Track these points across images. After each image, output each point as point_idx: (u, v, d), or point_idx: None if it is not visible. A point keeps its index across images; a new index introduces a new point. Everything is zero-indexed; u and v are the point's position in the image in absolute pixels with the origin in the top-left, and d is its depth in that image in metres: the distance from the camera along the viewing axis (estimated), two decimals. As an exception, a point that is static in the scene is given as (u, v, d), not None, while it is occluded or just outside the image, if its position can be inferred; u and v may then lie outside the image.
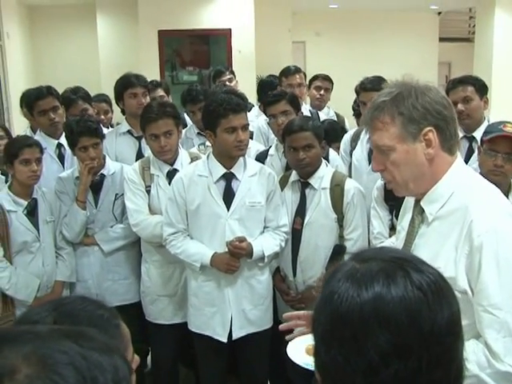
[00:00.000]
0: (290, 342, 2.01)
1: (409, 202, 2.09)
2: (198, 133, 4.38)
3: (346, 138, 4.29)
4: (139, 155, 4.05)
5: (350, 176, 4.12)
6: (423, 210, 1.89)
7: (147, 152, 3.87)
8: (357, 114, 4.96)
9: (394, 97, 1.81)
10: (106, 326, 1.21)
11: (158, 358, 3.82)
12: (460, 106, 3.72)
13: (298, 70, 5.33)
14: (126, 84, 4.21)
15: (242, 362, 3.51)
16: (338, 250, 2.49)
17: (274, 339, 3.21)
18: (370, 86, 3.95)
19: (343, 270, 1.10)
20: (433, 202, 1.86)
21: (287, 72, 5.31)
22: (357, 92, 4.20)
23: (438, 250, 1.79)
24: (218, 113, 3.11)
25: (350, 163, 4.16)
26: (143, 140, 4.05)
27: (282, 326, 2.10)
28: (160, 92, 4.89)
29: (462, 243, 1.73)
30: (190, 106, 4.47)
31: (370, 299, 1.02)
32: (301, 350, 1.96)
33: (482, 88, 3.80)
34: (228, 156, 3.20)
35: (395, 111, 1.80)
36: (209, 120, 3.20)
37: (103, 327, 1.19)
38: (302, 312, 2.15)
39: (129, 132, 4.19)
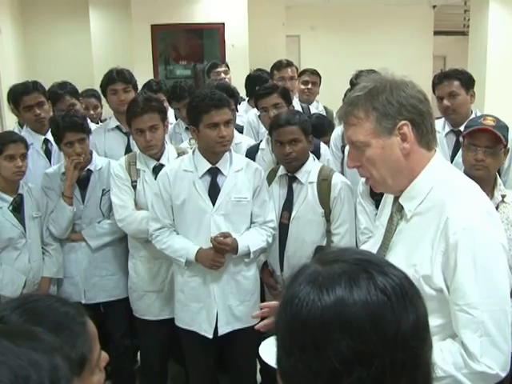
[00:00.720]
0: (262, 343, 1.94)
1: (388, 197, 2.06)
2: (187, 128, 4.36)
3: (337, 132, 4.25)
4: (128, 151, 4.01)
5: (343, 171, 4.11)
6: (402, 207, 1.86)
7: (136, 147, 3.85)
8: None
9: (369, 92, 1.78)
10: (71, 324, 1.20)
11: (146, 353, 3.81)
12: (446, 102, 3.70)
13: (290, 64, 5.35)
14: (108, 80, 4.18)
15: (230, 358, 3.50)
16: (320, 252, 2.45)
17: (262, 335, 3.19)
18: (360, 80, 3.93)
19: (305, 272, 1.06)
20: (411, 198, 1.82)
21: (279, 65, 5.33)
22: (352, 84, 4.17)
23: (414, 247, 1.76)
24: (200, 108, 3.09)
25: (342, 159, 4.14)
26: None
27: (253, 315, 2.12)
28: (162, 97, 4.76)
29: (437, 241, 1.70)
30: (175, 103, 4.45)
31: (332, 303, 0.98)
32: (273, 350, 1.90)
33: (468, 82, 3.77)
34: (211, 152, 3.18)
35: (369, 106, 1.77)
36: (192, 116, 3.18)
37: (67, 325, 1.19)
38: (272, 302, 2.14)
39: (117, 128, 4.15)
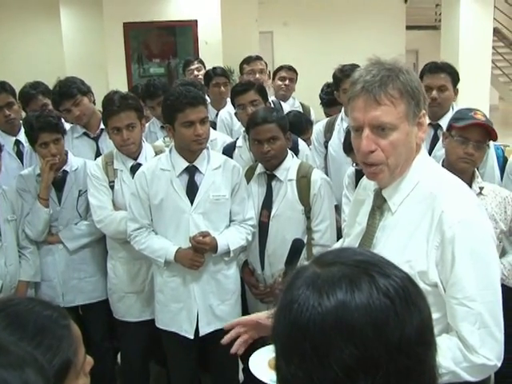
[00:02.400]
0: (252, 355, 1.90)
1: (360, 195, 2.05)
2: (162, 126, 4.32)
3: (319, 128, 4.24)
4: (98, 156, 3.93)
5: (326, 167, 4.10)
6: (385, 200, 1.84)
7: (105, 151, 3.80)
8: (324, 103, 4.93)
9: (398, 72, 1.71)
10: (54, 328, 1.18)
11: (127, 355, 3.77)
12: (434, 93, 3.70)
13: (259, 58, 5.42)
14: (58, 101, 4.00)
15: (211, 358, 3.46)
16: (297, 245, 2.41)
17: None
18: (352, 72, 3.91)
19: (303, 275, 1.01)
20: (397, 191, 1.81)
21: (249, 59, 5.40)
22: (337, 79, 4.10)
23: (405, 243, 1.74)
24: (174, 107, 3.05)
25: (326, 154, 4.13)
26: (100, 140, 4.01)
27: (224, 340, 1.98)
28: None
29: (432, 235, 1.69)
30: (149, 102, 4.40)
31: (333, 308, 0.94)
32: (264, 364, 1.83)
33: (456, 78, 3.79)
34: (188, 150, 3.15)
35: (403, 86, 1.70)
36: (167, 114, 3.15)
37: (51, 329, 1.17)
38: (243, 318, 2.08)
39: (84, 134, 4.06)
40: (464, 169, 2.90)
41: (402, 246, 1.74)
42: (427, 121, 3.75)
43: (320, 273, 1.00)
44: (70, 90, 3.88)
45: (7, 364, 0.78)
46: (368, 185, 1.98)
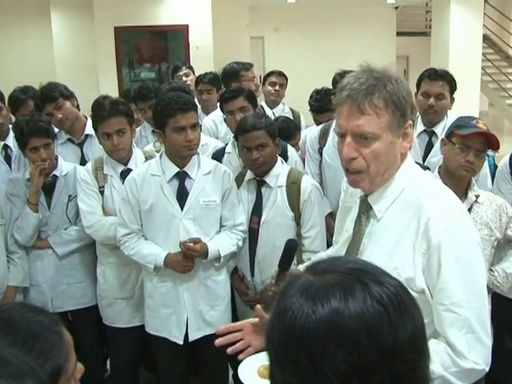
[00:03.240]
0: (241, 363, 1.90)
1: (347, 202, 2.05)
2: (153, 130, 4.31)
3: (313, 134, 4.23)
4: (83, 161, 3.93)
5: (321, 174, 4.09)
6: (371, 207, 1.85)
7: (91, 158, 3.79)
8: (314, 110, 4.93)
9: (386, 81, 1.72)
10: (46, 334, 1.17)
11: (116, 361, 3.76)
12: (432, 101, 3.70)
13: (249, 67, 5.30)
14: (41, 105, 4.00)
15: (201, 363, 3.45)
16: (291, 245, 2.42)
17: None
18: None
19: (297, 283, 1.02)
20: (383, 198, 1.82)
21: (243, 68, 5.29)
22: (337, 83, 4.09)
23: (392, 250, 1.75)
24: (165, 112, 3.05)
25: (320, 161, 4.13)
26: (85, 146, 4.01)
27: (217, 342, 1.97)
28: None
29: (419, 242, 1.70)
30: (141, 104, 4.39)
31: (327, 316, 0.94)
32: (253, 372, 1.84)
33: (453, 87, 3.79)
34: (178, 156, 3.15)
35: (388, 96, 1.70)
36: (157, 120, 3.14)
37: (42, 334, 1.16)
38: (238, 323, 2.06)
39: (69, 140, 4.05)
40: (463, 177, 2.91)
41: (389, 252, 1.75)
42: (421, 128, 3.80)
43: (313, 281, 1.00)
44: (51, 94, 3.88)
45: (7, 375, 0.78)
46: (354, 192, 1.99)
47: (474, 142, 2.87)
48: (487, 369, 1.68)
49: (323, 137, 4.08)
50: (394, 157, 1.78)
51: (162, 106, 3.09)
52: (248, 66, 5.24)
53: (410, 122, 1.76)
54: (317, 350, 0.93)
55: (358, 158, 1.75)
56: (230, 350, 1.97)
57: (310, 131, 4.40)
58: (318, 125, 4.41)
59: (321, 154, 4.09)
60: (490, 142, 2.89)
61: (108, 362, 3.99)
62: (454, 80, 3.81)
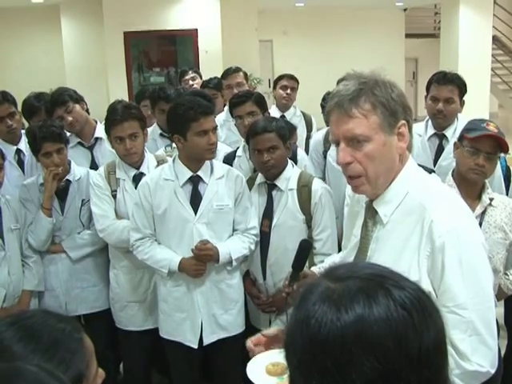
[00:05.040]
0: (249, 362, 1.90)
1: (355, 207, 2.06)
2: (161, 134, 4.32)
3: (318, 138, 4.23)
4: (93, 165, 3.96)
5: (324, 177, 4.09)
6: (376, 213, 1.86)
7: (101, 161, 3.84)
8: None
9: (372, 85, 1.74)
10: (67, 341, 1.19)
11: (129, 365, 3.77)
12: (440, 106, 3.66)
13: (237, 70, 5.30)
14: (50, 108, 4.00)
15: (214, 367, 3.47)
16: (305, 246, 2.43)
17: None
18: None
19: (317, 290, 1.00)
20: (387, 202, 1.83)
21: (226, 72, 5.31)
22: None
23: (398, 255, 1.76)
24: (188, 116, 3.05)
25: (324, 165, 4.12)
26: (95, 149, 4.02)
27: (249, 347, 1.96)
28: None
29: (423, 245, 1.71)
30: (162, 104, 4.20)
31: (352, 322, 0.93)
32: (261, 370, 1.83)
33: (463, 90, 3.74)
34: (199, 159, 3.16)
35: (375, 99, 1.73)
36: (177, 124, 3.11)
37: (64, 342, 1.18)
38: (263, 334, 2.01)
39: (79, 143, 4.06)
40: (474, 180, 2.90)
41: (396, 256, 1.76)
42: (432, 131, 3.79)
43: (335, 288, 0.99)
44: (61, 97, 3.92)
45: None
46: (360, 197, 2.00)
47: (484, 145, 2.86)
48: (492, 371, 1.68)
49: (328, 140, 4.09)
50: (392, 158, 1.79)
51: (183, 110, 3.08)
52: (226, 73, 5.24)
53: (403, 121, 1.77)
54: (344, 358, 0.92)
55: (353, 162, 1.77)
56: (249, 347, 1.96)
57: (315, 135, 4.39)
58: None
59: (325, 157, 4.09)
60: (499, 144, 2.88)
61: (121, 366, 4.00)
62: (464, 83, 3.76)
